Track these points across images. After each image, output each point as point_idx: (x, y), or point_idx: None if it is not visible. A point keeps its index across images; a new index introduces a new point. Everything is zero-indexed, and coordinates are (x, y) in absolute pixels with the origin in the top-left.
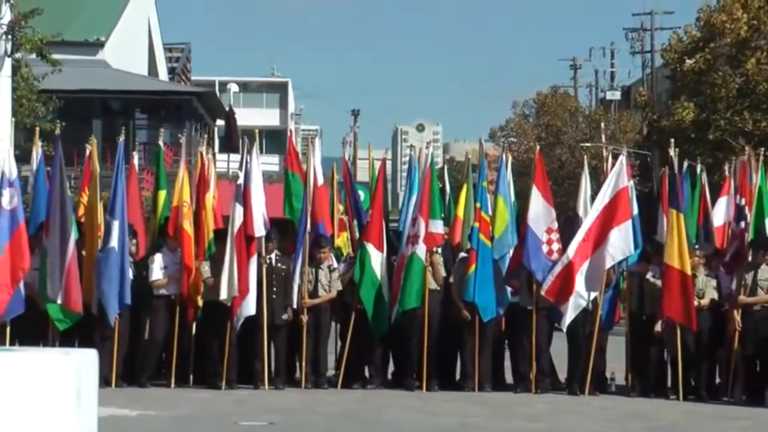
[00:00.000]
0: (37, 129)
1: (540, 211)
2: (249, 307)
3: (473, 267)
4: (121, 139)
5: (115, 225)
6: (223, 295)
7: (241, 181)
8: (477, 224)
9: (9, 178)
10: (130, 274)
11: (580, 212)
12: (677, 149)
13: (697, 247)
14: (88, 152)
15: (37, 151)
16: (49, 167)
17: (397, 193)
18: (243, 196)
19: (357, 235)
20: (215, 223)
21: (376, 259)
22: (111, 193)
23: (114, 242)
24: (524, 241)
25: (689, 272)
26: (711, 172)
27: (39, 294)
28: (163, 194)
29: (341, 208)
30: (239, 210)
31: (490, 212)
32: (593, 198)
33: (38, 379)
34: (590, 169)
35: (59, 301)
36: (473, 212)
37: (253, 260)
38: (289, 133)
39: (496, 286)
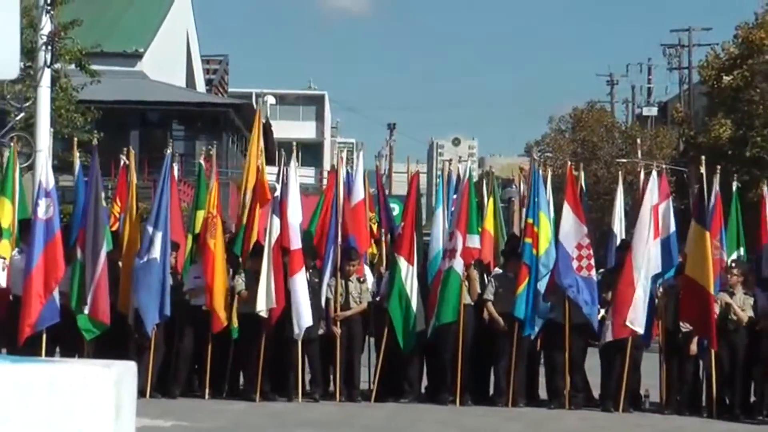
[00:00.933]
0: (75, 140)
1: (570, 227)
2: (305, 318)
3: (526, 282)
4: (168, 151)
5: (158, 236)
6: (260, 306)
7: (278, 193)
8: (529, 240)
9: (45, 188)
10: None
11: (615, 228)
12: (712, 166)
13: (733, 264)
14: (123, 163)
15: (76, 162)
16: (86, 177)
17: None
18: (279, 209)
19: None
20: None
21: (406, 272)
22: (155, 205)
23: (156, 253)
24: (557, 257)
25: (711, 289)
26: (747, 189)
27: (72, 304)
28: (201, 214)
29: (371, 215)
30: (276, 222)
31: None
32: (627, 213)
33: (78, 391)
34: (626, 185)
35: (86, 312)
36: (503, 226)
37: (301, 272)
38: (377, 177)
39: (541, 301)
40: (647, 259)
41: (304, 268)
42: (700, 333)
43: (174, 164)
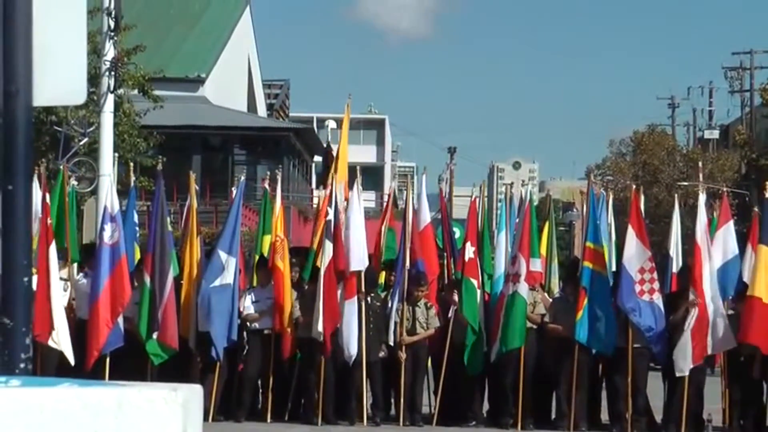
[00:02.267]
0: (131, 164)
1: (634, 251)
2: (352, 346)
3: (585, 306)
4: (243, 178)
5: (232, 262)
6: (315, 330)
7: (330, 217)
8: (588, 263)
9: (111, 213)
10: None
11: (671, 252)
12: None
13: None
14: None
15: (131, 186)
16: (149, 202)
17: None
18: (334, 233)
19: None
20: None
21: (478, 294)
22: (229, 230)
23: (230, 279)
24: (619, 280)
25: None
26: None
27: (138, 329)
28: (268, 238)
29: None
30: (329, 246)
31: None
32: (688, 237)
33: (146, 414)
34: (687, 208)
35: (155, 336)
36: (555, 249)
37: (353, 299)
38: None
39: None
40: (711, 283)
41: (356, 295)
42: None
43: (234, 188)
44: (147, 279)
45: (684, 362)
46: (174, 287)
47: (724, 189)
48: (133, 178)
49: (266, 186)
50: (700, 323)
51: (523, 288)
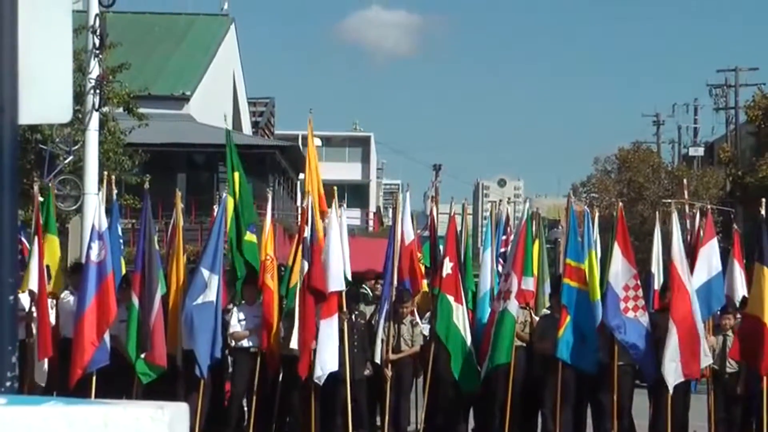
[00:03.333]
0: (113, 179)
1: (620, 269)
2: (330, 363)
3: (566, 323)
4: (225, 194)
5: (214, 279)
6: (293, 344)
7: (306, 234)
8: (568, 280)
9: (98, 231)
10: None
11: (653, 269)
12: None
13: None
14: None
15: (112, 202)
16: (134, 220)
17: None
18: (310, 251)
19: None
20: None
21: (457, 311)
22: (211, 248)
23: (212, 296)
24: (604, 297)
25: None
26: None
27: (126, 348)
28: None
29: (419, 255)
30: (305, 265)
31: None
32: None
33: None
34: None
35: (143, 356)
36: (546, 267)
37: (334, 316)
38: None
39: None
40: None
41: (336, 314)
42: (763, 371)
43: (215, 206)
44: (135, 298)
45: (672, 376)
46: (161, 306)
47: (709, 206)
48: (115, 191)
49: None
50: (690, 338)
51: (512, 305)
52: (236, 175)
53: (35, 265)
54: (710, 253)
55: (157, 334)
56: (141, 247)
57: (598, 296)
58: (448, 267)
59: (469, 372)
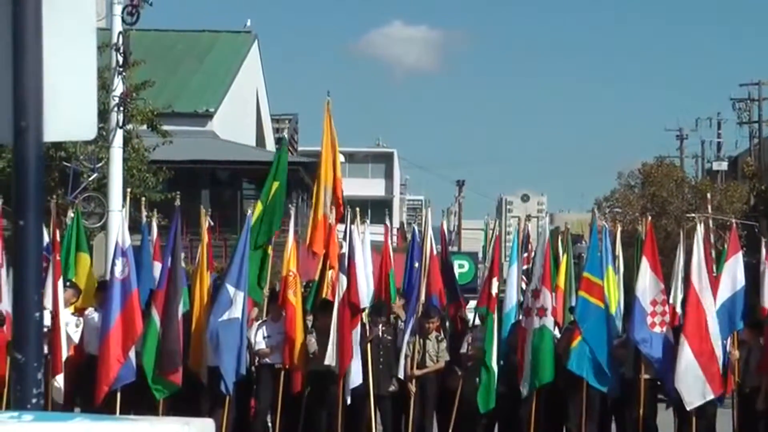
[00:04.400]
0: (143, 199)
1: (648, 283)
2: (355, 377)
3: (580, 337)
4: (250, 212)
5: (240, 296)
6: (329, 360)
7: (345, 250)
8: (585, 294)
9: (122, 248)
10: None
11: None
12: None
13: None
14: (208, 225)
15: (141, 221)
16: (159, 236)
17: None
18: (348, 267)
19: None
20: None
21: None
22: (236, 265)
23: (238, 313)
24: (632, 312)
25: None
26: None
27: (144, 363)
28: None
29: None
30: (343, 280)
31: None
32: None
33: None
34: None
35: (158, 372)
36: (573, 282)
37: (356, 330)
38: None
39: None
40: (712, 313)
41: (358, 325)
42: None
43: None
44: (156, 314)
45: (691, 395)
46: (183, 323)
47: (733, 220)
48: (145, 214)
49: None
50: (709, 357)
51: (550, 321)
52: (275, 184)
53: (50, 282)
54: (735, 268)
55: (176, 353)
56: (167, 263)
57: (614, 310)
58: (495, 286)
59: (489, 392)
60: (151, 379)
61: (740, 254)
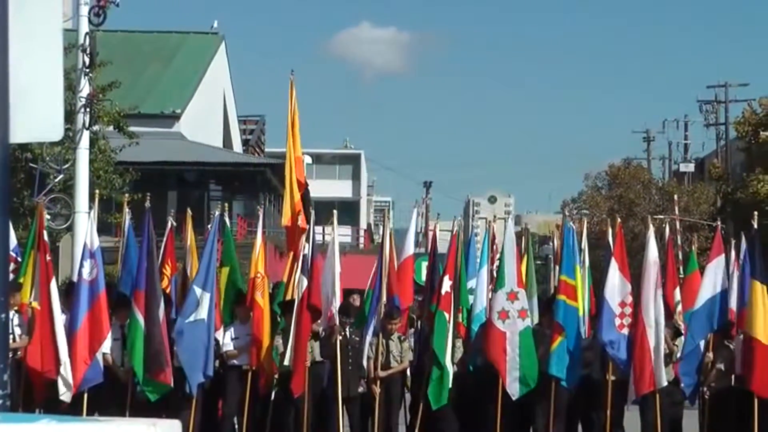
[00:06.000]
0: (124, 202)
1: (616, 284)
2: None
3: (560, 339)
4: (218, 213)
5: (206, 297)
6: (287, 362)
7: (307, 252)
8: (564, 297)
9: (90, 249)
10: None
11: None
12: (749, 222)
13: None
14: (170, 225)
15: (125, 223)
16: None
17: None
18: (309, 268)
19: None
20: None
21: (450, 329)
22: (203, 266)
23: (204, 314)
24: (599, 313)
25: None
26: None
27: (133, 366)
28: (225, 271)
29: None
30: (304, 281)
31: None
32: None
33: None
34: (665, 240)
35: (148, 374)
36: (534, 284)
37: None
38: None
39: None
40: (655, 313)
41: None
42: (752, 388)
43: (209, 225)
44: (140, 316)
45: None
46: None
47: (719, 223)
48: (129, 216)
49: (225, 218)
50: (641, 355)
51: (529, 322)
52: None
53: (37, 281)
54: (717, 271)
55: (163, 354)
56: (143, 264)
57: (581, 311)
58: (447, 285)
59: (442, 389)
60: (142, 382)
61: (722, 257)
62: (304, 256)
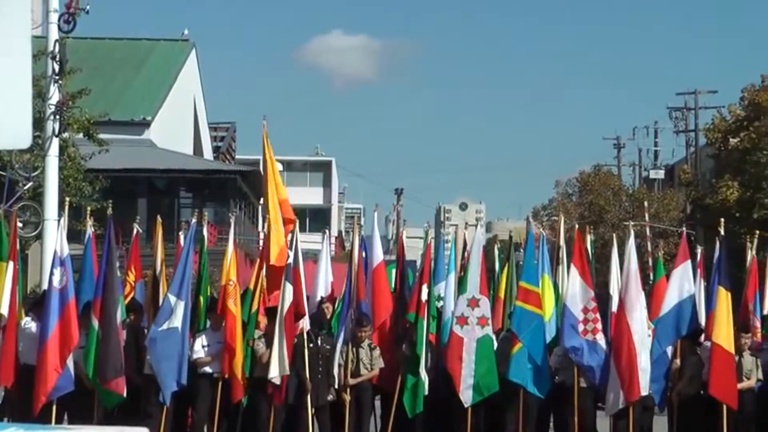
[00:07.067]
0: (88, 209)
1: (577, 290)
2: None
3: (519, 345)
4: (193, 220)
5: (181, 306)
6: (273, 373)
7: (290, 260)
8: (521, 303)
9: (60, 257)
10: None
11: (612, 291)
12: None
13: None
14: (135, 231)
15: (88, 231)
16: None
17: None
18: (292, 275)
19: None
20: (270, 301)
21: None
22: (178, 274)
23: (178, 322)
24: (562, 319)
25: (733, 352)
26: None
27: (85, 374)
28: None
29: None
30: (289, 289)
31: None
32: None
33: None
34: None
35: (101, 383)
36: (515, 291)
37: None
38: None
39: (544, 362)
40: (641, 322)
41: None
42: (730, 403)
43: (180, 232)
44: (95, 323)
45: (613, 402)
46: (134, 330)
47: (684, 230)
48: (90, 223)
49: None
50: (629, 362)
51: (490, 330)
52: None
53: (9, 289)
54: (683, 276)
55: (118, 362)
56: (103, 272)
57: (548, 318)
58: (425, 293)
59: (418, 396)
60: (100, 391)
61: (689, 263)
62: (288, 264)
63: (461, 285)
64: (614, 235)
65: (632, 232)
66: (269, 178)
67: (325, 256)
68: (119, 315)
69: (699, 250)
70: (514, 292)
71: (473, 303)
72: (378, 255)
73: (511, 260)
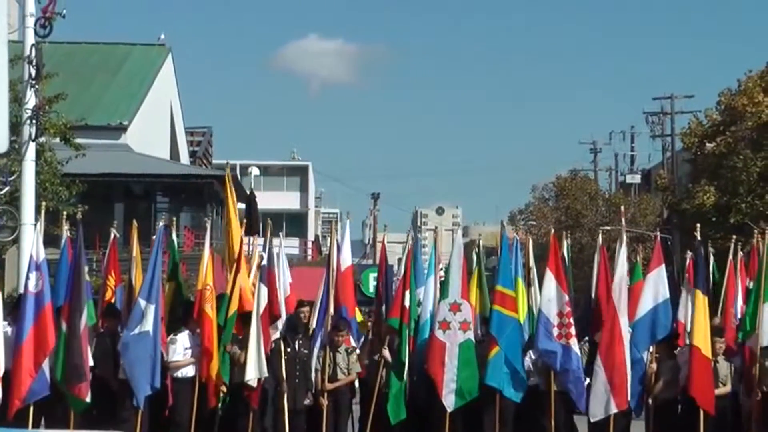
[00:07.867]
0: (64, 213)
1: (552, 295)
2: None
3: (496, 349)
4: (162, 224)
5: (151, 309)
6: (250, 375)
7: (265, 262)
8: (498, 307)
9: (36, 261)
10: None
11: (593, 295)
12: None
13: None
14: (113, 236)
15: (63, 236)
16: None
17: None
18: (267, 278)
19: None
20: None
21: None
22: (148, 278)
23: (149, 326)
24: (536, 323)
25: (711, 356)
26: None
27: (56, 377)
28: (171, 285)
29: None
30: (264, 291)
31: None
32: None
33: None
34: (610, 252)
35: (67, 387)
36: (486, 296)
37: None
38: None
39: (521, 366)
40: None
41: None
42: (707, 407)
43: (154, 236)
44: (64, 327)
45: (598, 408)
46: (87, 335)
47: (657, 234)
48: (66, 228)
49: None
50: (618, 370)
51: (471, 334)
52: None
53: None
54: (657, 281)
55: (81, 368)
56: (71, 277)
57: (522, 321)
58: (408, 299)
59: (400, 402)
60: (67, 394)
61: (663, 267)
62: (262, 266)
63: (443, 290)
64: (598, 239)
65: (625, 239)
66: (234, 226)
67: (282, 255)
68: (84, 320)
69: (688, 255)
70: (486, 297)
71: (455, 308)
72: (346, 259)
73: (481, 265)
